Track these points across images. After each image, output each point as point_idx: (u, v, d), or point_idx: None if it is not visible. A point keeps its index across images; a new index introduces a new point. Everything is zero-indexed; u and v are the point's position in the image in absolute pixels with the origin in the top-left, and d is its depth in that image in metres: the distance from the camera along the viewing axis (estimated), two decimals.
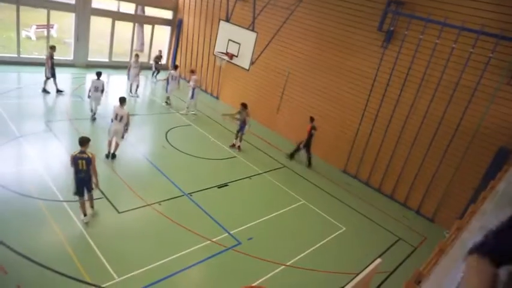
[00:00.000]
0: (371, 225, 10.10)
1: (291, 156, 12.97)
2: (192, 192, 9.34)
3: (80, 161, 6.99)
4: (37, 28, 21.46)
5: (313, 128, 12.18)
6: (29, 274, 5.90)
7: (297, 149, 12.75)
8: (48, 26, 16.74)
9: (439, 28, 10.19)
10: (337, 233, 9.24)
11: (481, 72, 9.72)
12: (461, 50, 10.04)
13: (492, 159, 9.82)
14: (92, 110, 11.99)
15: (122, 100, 9.75)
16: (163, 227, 7.86)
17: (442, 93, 10.56)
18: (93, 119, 11.99)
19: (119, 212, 7.94)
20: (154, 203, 8.51)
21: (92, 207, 7.65)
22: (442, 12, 10.24)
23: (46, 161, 9.11)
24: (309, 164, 12.73)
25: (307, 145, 12.39)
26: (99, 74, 11.80)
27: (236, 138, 12.54)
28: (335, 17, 12.70)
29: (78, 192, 7.17)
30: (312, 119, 12.33)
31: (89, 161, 7.05)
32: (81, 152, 7.04)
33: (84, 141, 7.09)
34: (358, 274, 3.37)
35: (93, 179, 7.28)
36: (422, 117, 10.95)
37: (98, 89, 11.71)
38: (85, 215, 7.35)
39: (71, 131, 11.04)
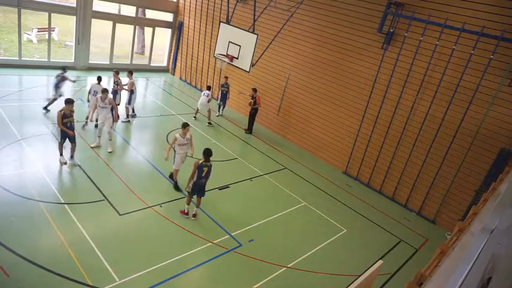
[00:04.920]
0: (372, 227, 10.09)
1: (249, 129, 14.50)
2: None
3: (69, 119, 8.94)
4: (38, 31, 21.54)
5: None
6: (30, 276, 5.90)
7: (252, 121, 14.43)
8: (50, 29, 16.77)
9: (439, 30, 10.21)
10: (338, 235, 9.23)
11: (482, 74, 9.73)
12: (461, 51, 10.05)
13: (493, 161, 9.81)
14: (87, 117, 10.87)
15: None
16: (164, 229, 7.86)
17: (442, 95, 10.56)
18: (84, 124, 10.43)
19: (120, 214, 7.94)
20: (155, 205, 8.52)
21: (73, 156, 9.33)
22: (442, 14, 10.26)
23: (47, 164, 9.12)
24: (250, 131, 14.54)
25: (255, 114, 14.26)
26: (99, 79, 11.35)
27: (189, 204, 8.32)
28: (335, 19, 12.73)
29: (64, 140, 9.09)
30: (255, 90, 14.11)
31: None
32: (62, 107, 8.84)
33: (67, 102, 8.84)
34: (359, 276, 3.37)
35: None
36: (422, 119, 10.95)
37: (97, 94, 10.75)
38: (61, 154, 9.19)
39: None
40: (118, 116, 10.79)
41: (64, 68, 12.12)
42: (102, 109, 10.17)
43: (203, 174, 7.84)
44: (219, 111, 15.90)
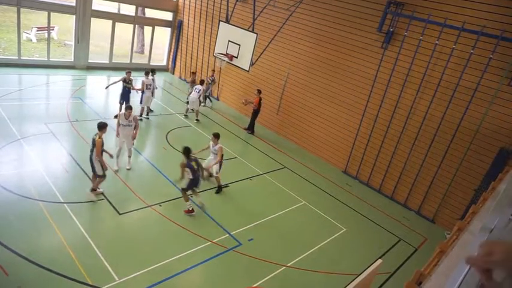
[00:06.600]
0: (372, 226, 10.10)
1: (251, 129, 14.48)
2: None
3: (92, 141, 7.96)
4: (38, 30, 21.50)
5: (260, 99, 14.09)
6: (30, 275, 5.90)
7: (253, 121, 14.42)
8: (49, 28, 16.75)
9: (439, 29, 10.20)
10: (337, 234, 9.23)
11: (481, 73, 9.73)
12: (461, 50, 10.05)
13: (493, 160, 9.82)
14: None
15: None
16: (164, 228, 7.86)
17: (442, 94, 10.57)
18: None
19: (119, 214, 7.94)
20: (155, 205, 8.52)
21: (95, 189, 8.27)
22: (442, 13, 10.25)
23: (46, 163, 9.12)
24: (252, 131, 14.50)
25: (256, 114, 14.29)
26: (148, 73, 12.93)
27: (188, 200, 8.49)
28: (335, 18, 12.72)
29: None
30: (259, 91, 14.09)
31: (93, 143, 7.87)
32: (96, 134, 7.87)
33: (101, 126, 7.92)
34: (358, 275, 3.37)
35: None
36: (422, 118, 10.95)
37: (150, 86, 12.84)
38: (95, 189, 8.25)
39: (71, 133, 11.05)
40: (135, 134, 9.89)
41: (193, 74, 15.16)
42: (126, 127, 9.44)
43: (196, 168, 8.27)
44: (204, 101, 16.01)
